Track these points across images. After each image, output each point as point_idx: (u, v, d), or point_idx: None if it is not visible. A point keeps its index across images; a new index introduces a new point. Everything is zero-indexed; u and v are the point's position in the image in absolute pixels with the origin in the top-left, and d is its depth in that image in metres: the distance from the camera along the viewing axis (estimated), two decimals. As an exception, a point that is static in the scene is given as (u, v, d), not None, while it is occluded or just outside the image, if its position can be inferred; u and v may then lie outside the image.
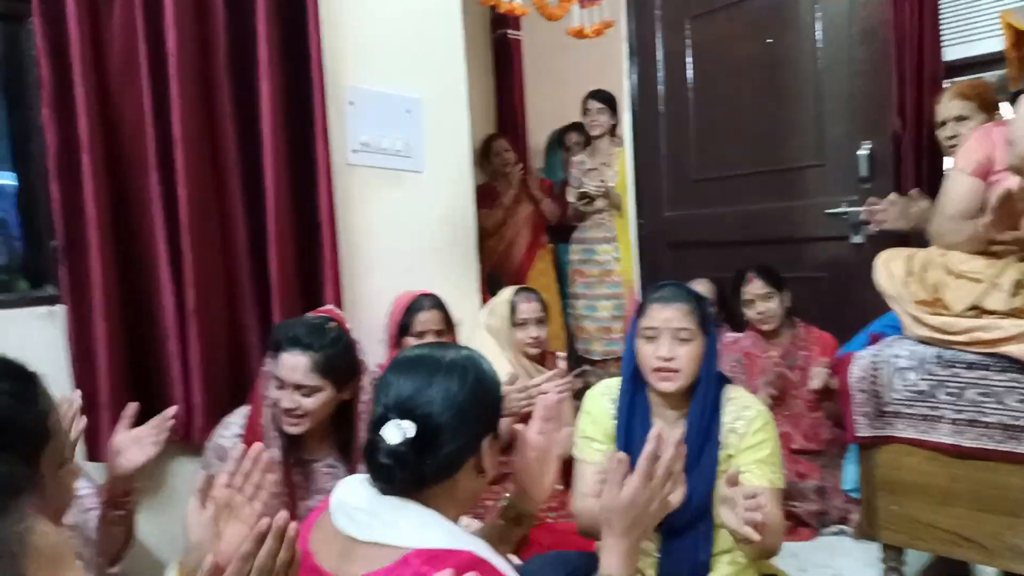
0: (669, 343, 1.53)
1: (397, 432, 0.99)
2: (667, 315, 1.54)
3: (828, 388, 2.39)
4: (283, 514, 0.94)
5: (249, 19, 2.05)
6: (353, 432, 1.73)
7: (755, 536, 1.21)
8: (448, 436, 1.00)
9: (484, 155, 3.91)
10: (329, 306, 1.99)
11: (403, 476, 0.99)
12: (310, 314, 1.86)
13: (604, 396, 1.67)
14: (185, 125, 1.91)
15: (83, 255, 1.80)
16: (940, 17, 2.49)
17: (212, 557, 0.93)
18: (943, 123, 2.23)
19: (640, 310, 1.60)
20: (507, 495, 1.27)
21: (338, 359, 1.65)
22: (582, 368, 3.48)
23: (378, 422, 1.02)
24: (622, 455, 1.12)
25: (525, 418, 1.99)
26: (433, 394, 1.01)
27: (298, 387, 1.61)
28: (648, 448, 1.10)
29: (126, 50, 1.85)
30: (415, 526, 0.96)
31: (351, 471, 1.69)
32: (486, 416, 1.08)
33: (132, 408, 1.56)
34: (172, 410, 1.58)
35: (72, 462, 0.87)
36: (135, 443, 1.53)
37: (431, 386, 1.02)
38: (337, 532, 1.01)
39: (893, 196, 2.12)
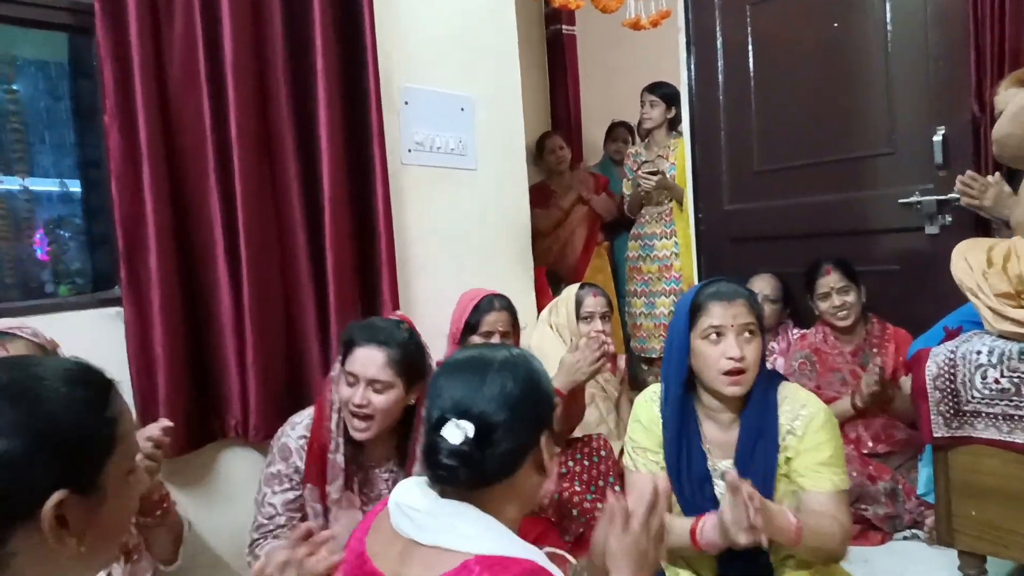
0: (737, 341, 1.46)
1: (458, 432, 0.99)
2: (733, 312, 1.48)
3: (885, 393, 2.28)
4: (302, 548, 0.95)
5: (305, 24, 2.08)
6: (413, 438, 1.71)
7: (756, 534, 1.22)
8: (506, 433, 1.00)
9: (539, 153, 3.88)
10: (399, 312, 2.00)
11: (466, 475, 0.98)
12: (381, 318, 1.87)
13: (653, 403, 1.62)
14: (242, 129, 1.95)
15: (143, 258, 1.85)
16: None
17: None
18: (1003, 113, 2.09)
19: (694, 310, 1.52)
20: (576, 563, 1.25)
21: (412, 358, 1.66)
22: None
23: (436, 424, 1.02)
24: (663, 483, 1.10)
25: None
26: (487, 393, 1.02)
27: (371, 382, 1.61)
28: (648, 499, 1.07)
29: (185, 58, 1.90)
30: (476, 531, 0.96)
31: (407, 476, 1.69)
32: (541, 412, 1.08)
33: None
34: (165, 422, 1.50)
35: (138, 470, 0.87)
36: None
37: (484, 385, 1.02)
38: (396, 534, 1.01)
39: (996, 177, 2.02)
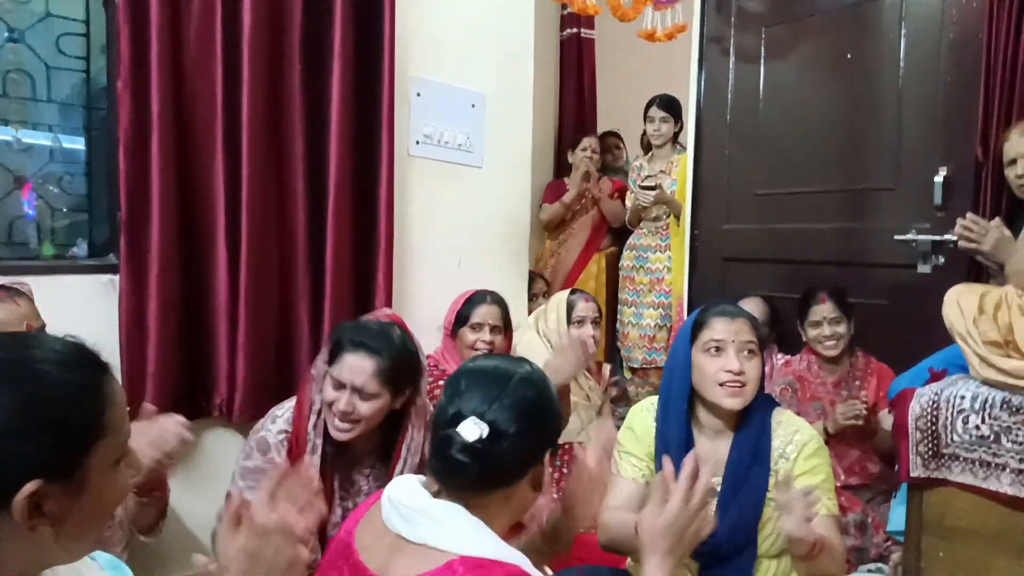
0: (737, 356, 1.49)
1: (475, 429, 1.01)
2: (735, 328, 1.51)
3: (869, 425, 2.33)
4: (285, 508, 0.91)
5: (326, 6, 2.06)
6: (398, 439, 1.68)
7: (811, 535, 1.24)
8: (517, 443, 1.03)
9: (572, 148, 3.88)
10: (389, 310, 1.98)
11: (476, 473, 1.01)
12: (372, 317, 1.81)
13: (648, 413, 1.64)
14: (254, 108, 1.94)
15: (144, 228, 1.84)
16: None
17: (203, 559, 0.90)
18: (1012, 161, 2.11)
19: (697, 324, 1.56)
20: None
21: (402, 369, 1.61)
22: (618, 376, 3.45)
23: (452, 419, 1.03)
24: (670, 471, 1.12)
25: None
26: (506, 403, 1.04)
27: (357, 391, 1.56)
28: (687, 469, 1.10)
29: (203, 31, 1.89)
30: (465, 533, 0.98)
31: (389, 477, 1.68)
32: (550, 431, 1.13)
33: (150, 409, 1.51)
34: (184, 422, 1.46)
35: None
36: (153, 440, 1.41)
37: (504, 395, 1.05)
38: (386, 529, 1.02)
39: (997, 221, 2.05)
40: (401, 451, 1.66)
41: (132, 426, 1.42)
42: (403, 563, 0.97)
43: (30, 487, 0.71)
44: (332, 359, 1.62)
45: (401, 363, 1.61)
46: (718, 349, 1.50)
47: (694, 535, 1.10)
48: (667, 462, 1.16)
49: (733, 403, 1.49)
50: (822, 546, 1.32)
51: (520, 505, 1.09)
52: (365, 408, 1.58)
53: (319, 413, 1.63)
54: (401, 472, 1.64)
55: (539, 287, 3.42)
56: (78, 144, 2.08)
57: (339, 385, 1.58)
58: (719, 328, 1.52)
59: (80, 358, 0.79)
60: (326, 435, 1.64)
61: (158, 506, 1.58)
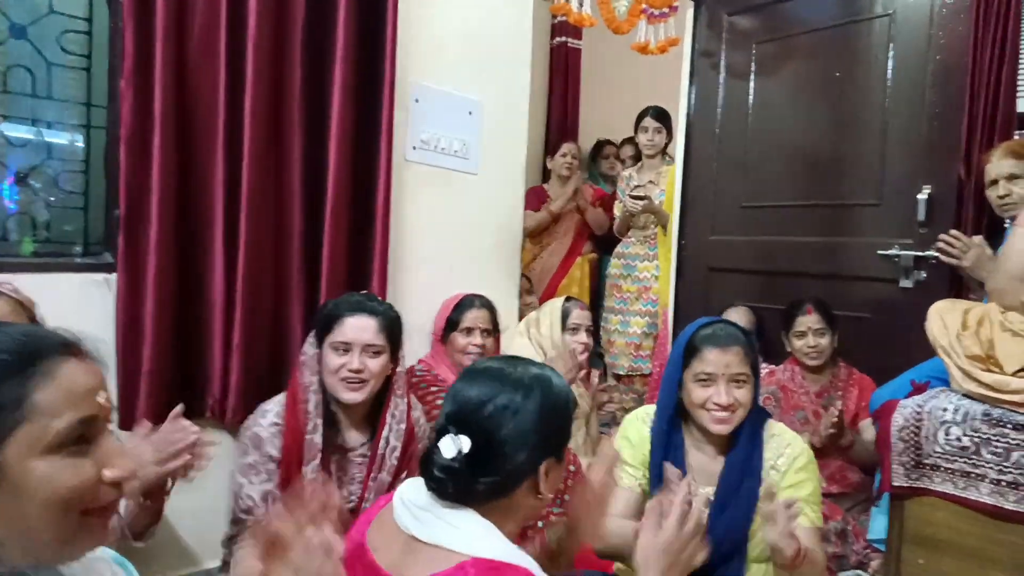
0: (727, 388, 1.50)
1: (452, 447, 1.00)
2: (726, 360, 1.51)
3: (842, 436, 2.38)
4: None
5: (330, 8, 2.07)
6: (384, 406, 1.73)
7: (793, 545, 1.26)
8: (505, 455, 0.99)
9: (551, 154, 3.91)
10: (364, 292, 2.03)
11: (454, 491, 1.00)
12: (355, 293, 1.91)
13: (643, 423, 1.67)
14: (256, 108, 1.94)
15: (143, 227, 1.83)
16: (1019, 68, 2.43)
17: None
18: (994, 182, 2.18)
19: (689, 350, 1.57)
20: (553, 527, 1.28)
21: (396, 325, 1.74)
22: (607, 384, 3.48)
23: (438, 433, 1.03)
24: (667, 497, 1.13)
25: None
26: (494, 409, 1.01)
27: (366, 347, 1.66)
28: (681, 494, 1.09)
29: (207, 30, 1.88)
30: (475, 534, 0.98)
31: (374, 454, 1.71)
32: (550, 439, 1.05)
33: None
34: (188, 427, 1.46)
35: (102, 451, 0.77)
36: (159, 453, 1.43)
37: (494, 400, 1.01)
38: (399, 530, 1.02)
39: (979, 239, 2.12)
40: (386, 418, 1.72)
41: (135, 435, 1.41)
42: (416, 563, 0.97)
43: None
44: (327, 331, 1.68)
45: (395, 321, 1.74)
46: (709, 380, 1.52)
47: (688, 558, 1.09)
48: (669, 468, 1.18)
49: (719, 429, 1.52)
50: (804, 555, 1.34)
51: (524, 511, 1.06)
52: (374, 364, 1.67)
53: (317, 393, 1.68)
54: (387, 439, 1.71)
55: (522, 285, 3.42)
56: (77, 141, 2.05)
57: (344, 348, 1.66)
58: (710, 359, 1.52)
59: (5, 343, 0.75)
60: (324, 416, 1.67)
61: (155, 509, 1.56)
